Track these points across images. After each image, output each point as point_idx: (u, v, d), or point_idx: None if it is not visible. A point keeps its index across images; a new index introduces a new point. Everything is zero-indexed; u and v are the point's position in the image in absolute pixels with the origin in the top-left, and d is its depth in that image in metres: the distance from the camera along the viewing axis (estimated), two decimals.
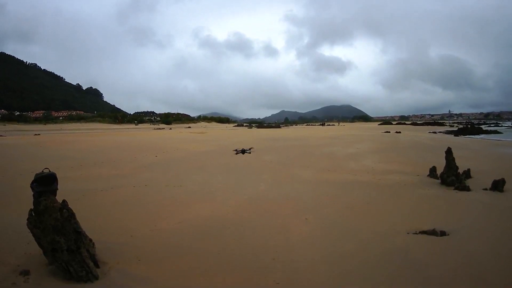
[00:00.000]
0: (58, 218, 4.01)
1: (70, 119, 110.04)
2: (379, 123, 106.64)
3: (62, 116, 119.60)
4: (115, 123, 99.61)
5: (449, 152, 9.89)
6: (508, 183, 8.62)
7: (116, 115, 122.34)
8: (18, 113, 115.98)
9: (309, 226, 6.07)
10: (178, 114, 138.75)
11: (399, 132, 39.72)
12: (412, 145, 22.12)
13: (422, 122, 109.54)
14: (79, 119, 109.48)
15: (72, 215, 4.17)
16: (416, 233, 5.65)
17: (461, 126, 56.53)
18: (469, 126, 55.48)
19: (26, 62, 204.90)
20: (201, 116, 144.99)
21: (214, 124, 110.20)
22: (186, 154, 16.76)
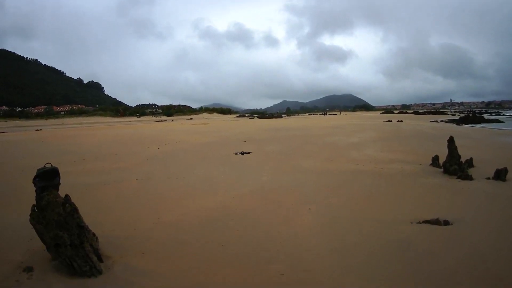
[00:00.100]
0: (61, 213, 4.01)
1: (71, 113, 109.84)
2: (381, 112, 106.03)
3: (64, 111, 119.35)
4: (116, 117, 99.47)
5: (451, 141, 9.83)
6: (510, 172, 8.58)
7: (117, 108, 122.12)
8: (19, 109, 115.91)
9: (312, 216, 6.07)
10: (180, 106, 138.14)
11: (401, 121, 39.70)
12: (414, 134, 22.05)
13: (423, 111, 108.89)
14: (80, 113, 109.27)
15: (75, 209, 4.17)
16: (420, 223, 5.64)
17: (462, 115, 56.38)
18: (470, 115, 55.35)
19: (27, 58, 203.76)
20: (203, 107, 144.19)
21: (215, 115, 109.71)
22: (188, 146, 16.74)
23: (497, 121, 43.64)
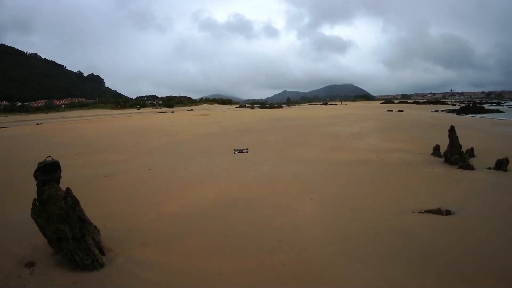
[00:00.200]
0: (62, 206, 3.99)
1: (72, 106, 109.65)
2: (381, 101, 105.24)
3: (64, 104, 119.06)
4: (117, 109, 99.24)
5: (452, 130, 9.78)
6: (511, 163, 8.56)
7: (118, 101, 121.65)
8: (20, 103, 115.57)
9: (314, 206, 6.07)
10: (180, 97, 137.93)
11: (402, 111, 39.51)
12: (415, 124, 21.96)
13: (424, 100, 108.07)
14: (81, 106, 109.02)
15: (76, 202, 4.15)
16: (422, 212, 5.64)
17: (463, 105, 56.05)
18: (471, 105, 54.99)
19: (26, 52, 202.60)
20: (203, 98, 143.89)
21: (216, 106, 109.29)
22: (189, 137, 16.72)
23: (498, 111, 43.42)
